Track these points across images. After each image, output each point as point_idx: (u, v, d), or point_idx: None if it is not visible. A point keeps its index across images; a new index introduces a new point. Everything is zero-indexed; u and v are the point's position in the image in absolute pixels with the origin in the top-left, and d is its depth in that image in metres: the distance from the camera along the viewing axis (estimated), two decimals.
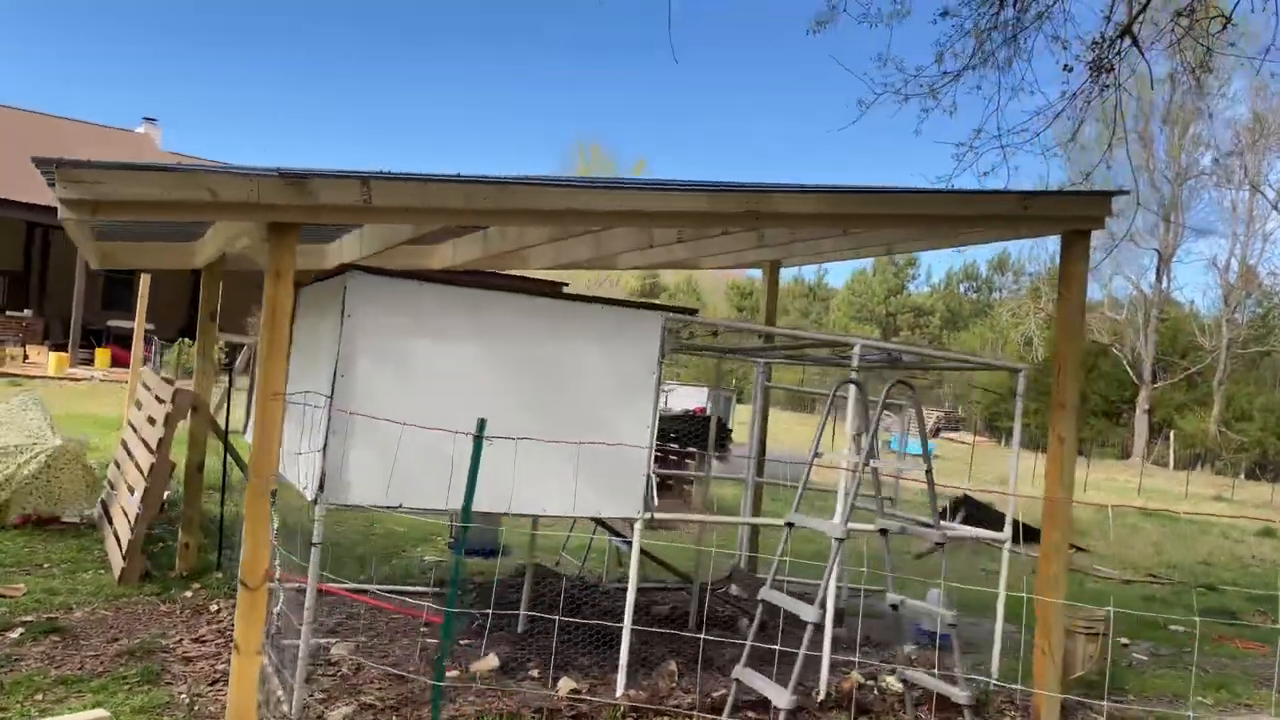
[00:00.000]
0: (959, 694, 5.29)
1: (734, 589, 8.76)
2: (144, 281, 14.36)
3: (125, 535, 7.17)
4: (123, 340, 23.87)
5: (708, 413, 16.22)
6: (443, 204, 4.58)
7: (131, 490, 7.56)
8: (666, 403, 23.86)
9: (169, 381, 7.82)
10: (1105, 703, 6.20)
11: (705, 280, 73.85)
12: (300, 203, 4.30)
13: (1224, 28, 8.19)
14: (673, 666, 5.96)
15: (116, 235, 6.96)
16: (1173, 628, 9.46)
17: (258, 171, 4.24)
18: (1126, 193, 6.41)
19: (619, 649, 5.42)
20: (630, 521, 5.51)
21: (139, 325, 14.44)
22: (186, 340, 22.56)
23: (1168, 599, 11.49)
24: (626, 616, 5.38)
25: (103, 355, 23.26)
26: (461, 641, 6.43)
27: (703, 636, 5.72)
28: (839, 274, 78.51)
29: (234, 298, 9.09)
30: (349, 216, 4.48)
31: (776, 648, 5.71)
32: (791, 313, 74.93)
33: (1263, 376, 53.86)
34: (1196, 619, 8.98)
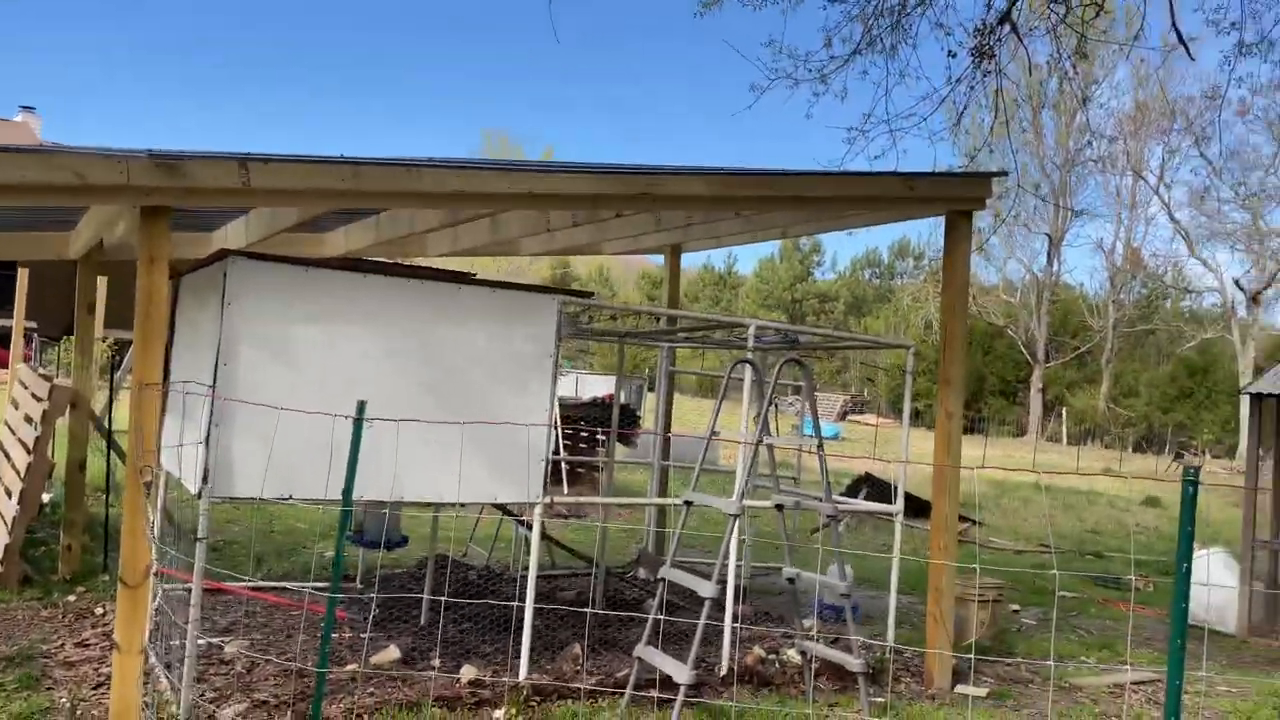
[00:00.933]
0: (853, 662, 5.43)
1: (641, 572, 8.82)
2: (22, 276, 13.69)
3: (2, 539, 6.84)
4: (2, 338, 22.72)
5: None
6: (326, 185, 4.47)
7: (9, 493, 7.21)
8: (576, 391, 23.85)
9: (46, 377, 7.48)
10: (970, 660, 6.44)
11: (616, 270, 73.94)
12: (174, 185, 4.16)
13: (1097, 14, 8.54)
14: (577, 650, 5.97)
15: None
16: (1061, 594, 9.88)
17: (128, 153, 4.08)
18: (1006, 173, 6.63)
19: (522, 636, 5.41)
20: (530, 506, 5.49)
21: (18, 322, 13.77)
22: (71, 338, 21.60)
23: (1056, 566, 11.99)
24: (528, 600, 5.37)
25: None
26: (363, 635, 6.32)
27: (596, 612, 5.74)
28: (747, 262, 79.44)
29: (123, 293, 8.72)
30: (227, 199, 4.34)
31: (670, 624, 5.77)
32: (702, 299, 75.54)
33: (1147, 354, 56.54)
34: (1053, 585, 9.37)
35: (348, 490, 2.91)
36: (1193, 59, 8.11)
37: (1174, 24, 8.00)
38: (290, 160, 4.39)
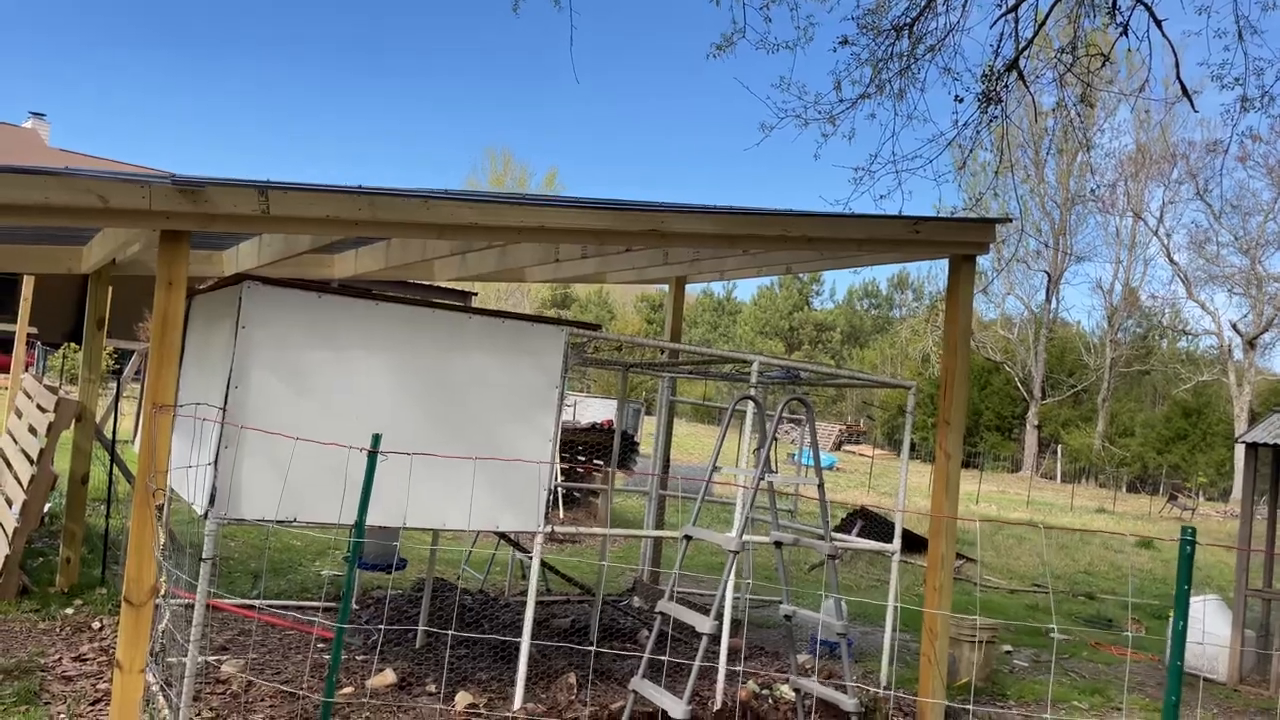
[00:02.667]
0: (846, 701, 5.45)
1: (636, 601, 8.84)
2: (28, 283, 13.76)
3: (2, 550, 6.86)
4: (2, 344, 22.74)
5: (614, 425, 16.30)
6: (344, 215, 4.55)
7: (10, 503, 7.24)
8: (574, 415, 23.88)
9: (52, 390, 7.53)
10: (975, 707, 6.47)
11: (616, 292, 74.15)
12: (195, 210, 4.23)
13: (1103, 65, 8.68)
14: (572, 679, 6.00)
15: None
16: (1053, 635, 9.90)
17: (150, 177, 4.15)
18: (1010, 220, 6.73)
19: (518, 663, 5.43)
20: (530, 535, 5.53)
21: (21, 329, 13.82)
22: (73, 345, 21.65)
23: (1049, 607, 12.01)
24: (525, 630, 5.40)
25: None
26: (359, 657, 6.34)
27: (594, 649, 5.77)
28: (746, 289, 79.77)
29: (125, 302, 8.81)
30: (246, 225, 4.41)
31: (666, 659, 5.81)
32: (700, 325, 75.74)
33: (1143, 394, 56.69)
34: (1051, 626, 9.41)
35: (360, 522, 2.96)
36: (1195, 110, 8.29)
37: (1178, 77, 8.14)
38: (309, 189, 4.47)
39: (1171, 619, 2.73)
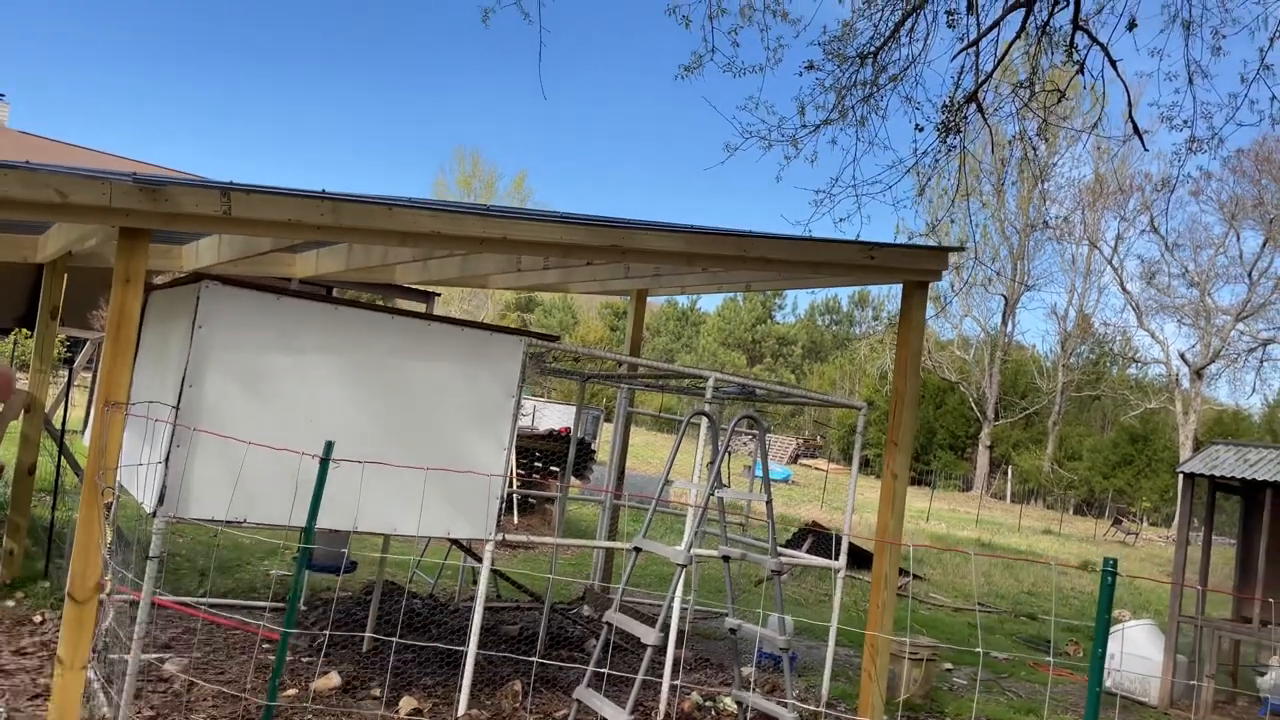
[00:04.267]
0: (786, 716, 5.56)
1: (586, 610, 8.90)
2: None
3: None
4: None
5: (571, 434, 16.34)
6: (306, 219, 4.57)
7: None
8: (533, 422, 23.87)
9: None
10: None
11: (580, 299, 74.12)
12: (156, 210, 4.23)
13: (1059, 100, 8.94)
14: (517, 686, 6.04)
15: None
16: (993, 654, 10.11)
17: (111, 175, 4.16)
18: (963, 249, 6.91)
19: (464, 669, 5.47)
20: (482, 542, 5.57)
21: None
22: (24, 331, 21.23)
23: (992, 626, 12.24)
24: (471, 636, 5.44)
25: None
26: (305, 659, 6.33)
27: (537, 659, 5.82)
28: (710, 300, 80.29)
29: (79, 290, 8.69)
30: (207, 226, 4.42)
31: (608, 670, 5.87)
32: (664, 334, 75.96)
33: (1092, 419, 57.80)
34: (974, 649, 9.60)
35: (309, 528, 3.00)
36: (1146, 149, 8.54)
37: (1130, 116, 8.40)
38: (271, 193, 4.49)
39: (1112, 640, 2.86)
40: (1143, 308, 45.73)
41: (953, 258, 6.81)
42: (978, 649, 10.15)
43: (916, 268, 6.43)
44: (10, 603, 6.59)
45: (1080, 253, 50.87)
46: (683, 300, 78.75)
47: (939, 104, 8.73)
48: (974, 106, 8.51)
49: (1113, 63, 8.29)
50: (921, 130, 8.88)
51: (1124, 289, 46.08)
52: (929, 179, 8.97)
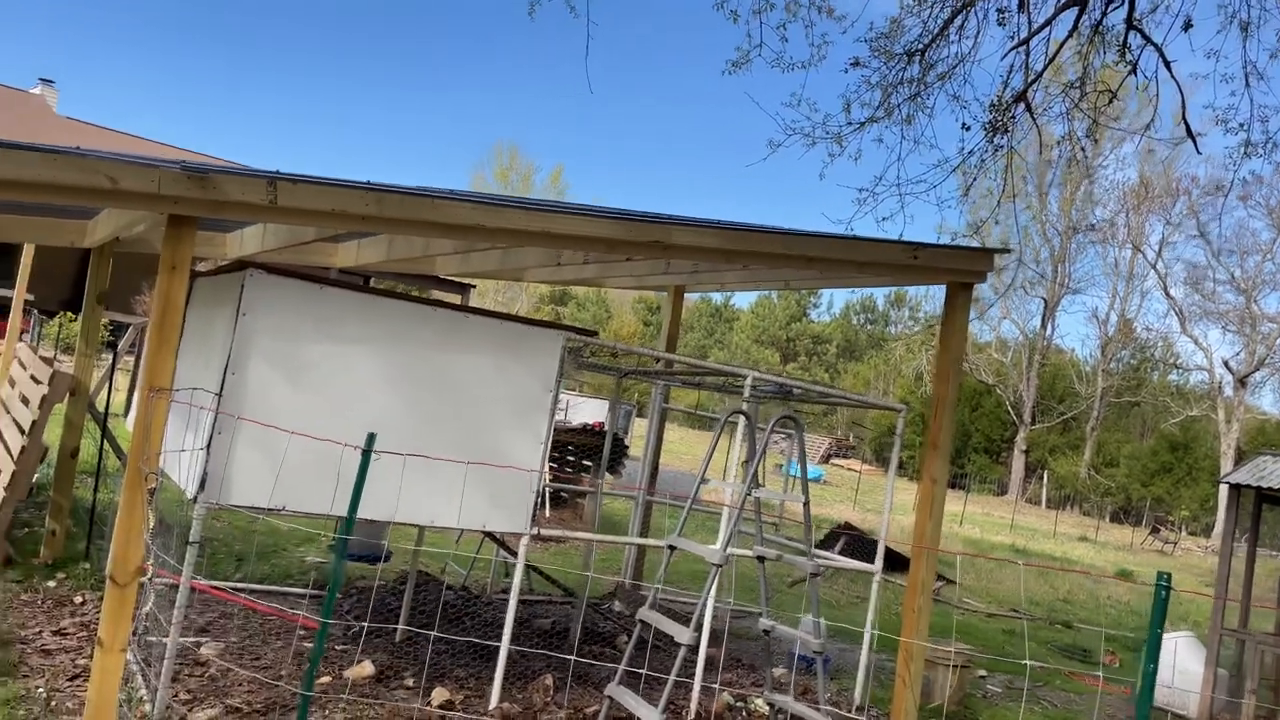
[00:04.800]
0: (819, 718, 5.50)
1: (617, 605, 8.88)
2: (27, 251, 13.76)
3: None
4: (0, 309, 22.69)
5: (605, 427, 16.34)
6: (350, 210, 4.58)
7: None
8: (566, 416, 23.91)
9: (48, 361, 7.54)
10: None
11: (614, 293, 74.20)
12: (203, 197, 4.26)
13: (1110, 101, 8.76)
14: (549, 681, 6.03)
15: (4, 208, 6.71)
16: (1030, 663, 9.97)
17: (161, 163, 4.19)
18: (1009, 250, 6.80)
19: (497, 661, 5.47)
20: (517, 536, 5.57)
21: (18, 296, 13.82)
22: (69, 314, 21.62)
23: (1027, 633, 12.07)
24: (505, 630, 5.44)
25: None
26: (338, 647, 6.37)
27: (573, 659, 5.81)
28: (744, 297, 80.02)
29: (123, 275, 8.81)
30: (252, 214, 4.44)
31: (644, 671, 5.84)
32: (697, 330, 75.81)
33: (1131, 425, 56.93)
34: (1023, 655, 9.45)
35: (350, 518, 3.00)
36: (1200, 153, 8.33)
37: (1184, 118, 8.21)
38: (317, 183, 4.50)
39: (1143, 659, 2.79)
40: (1186, 313, 44.97)
41: (997, 259, 6.70)
42: (1014, 658, 10.01)
43: (961, 268, 6.33)
44: (51, 583, 6.69)
45: (1123, 256, 50.11)
46: (717, 296, 78.54)
47: (987, 103, 8.62)
48: (1022, 106, 8.37)
49: (1167, 64, 8.11)
50: (968, 129, 8.77)
51: (1167, 294, 45.36)
52: (974, 179, 8.84)
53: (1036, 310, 52.14)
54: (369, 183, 4.63)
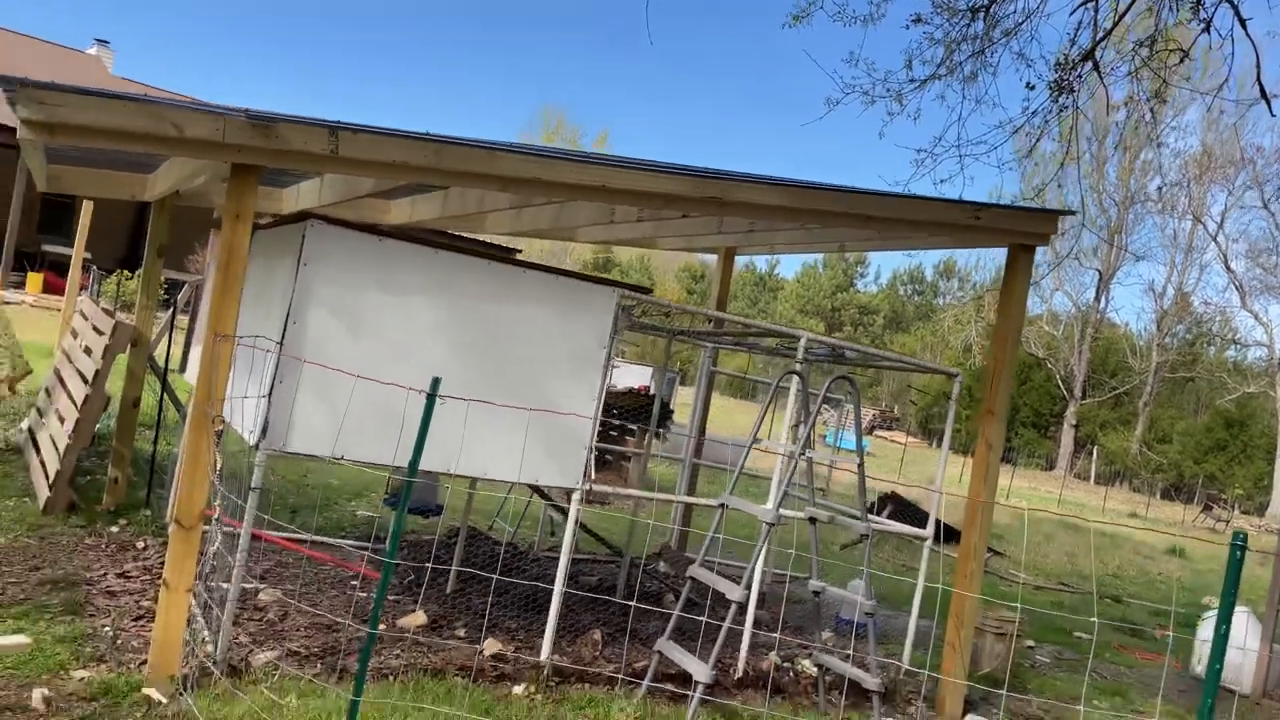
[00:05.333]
0: (870, 680, 5.49)
1: (663, 566, 8.92)
2: (86, 208, 14.03)
3: (53, 465, 7.06)
4: (58, 266, 23.19)
5: (651, 391, 16.35)
6: (410, 160, 4.59)
7: (62, 419, 7.44)
8: (612, 379, 23.94)
9: (109, 313, 7.69)
10: (1005, 694, 6.47)
11: (657, 260, 73.95)
12: (266, 146, 4.29)
13: (1181, 60, 8.47)
14: (597, 635, 6.08)
15: (69, 159, 6.82)
16: (1077, 635, 9.86)
17: (225, 111, 4.21)
18: (1074, 213, 6.63)
19: (547, 615, 5.52)
20: (568, 491, 5.59)
21: (78, 252, 14.12)
22: (125, 272, 22.04)
23: (1075, 607, 11.93)
24: (558, 582, 5.48)
25: (35, 280, 22.59)
26: (390, 597, 6.47)
27: (632, 604, 5.84)
28: (790, 265, 79.32)
29: (176, 234, 8.91)
30: (314, 164, 4.46)
31: (702, 619, 5.86)
32: (740, 299, 75.41)
33: (1185, 401, 55.74)
34: (1093, 622, 9.33)
35: (414, 463, 3.02)
36: (1274, 115, 8.02)
37: (1258, 79, 7.92)
38: (377, 133, 4.50)
39: (1202, 625, 2.72)
40: (1246, 288, 43.78)
41: (1057, 223, 6.54)
42: (1074, 627, 9.91)
43: (1024, 230, 6.20)
44: (114, 528, 6.86)
45: (1183, 228, 48.81)
46: (761, 265, 78.01)
47: (1052, 61, 8.36)
48: (1090, 65, 8.12)
49: (1242, 21, 7.80)
50: (1033, 89, 8.53)
51: (1228, 267, 44.17)
52: (1038, 139, 8.62)
53: (1091, 282, 51.10)
54: (429, 133, 4.63)
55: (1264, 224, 48.60)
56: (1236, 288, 44.20)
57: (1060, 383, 50.93)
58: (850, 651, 6.78)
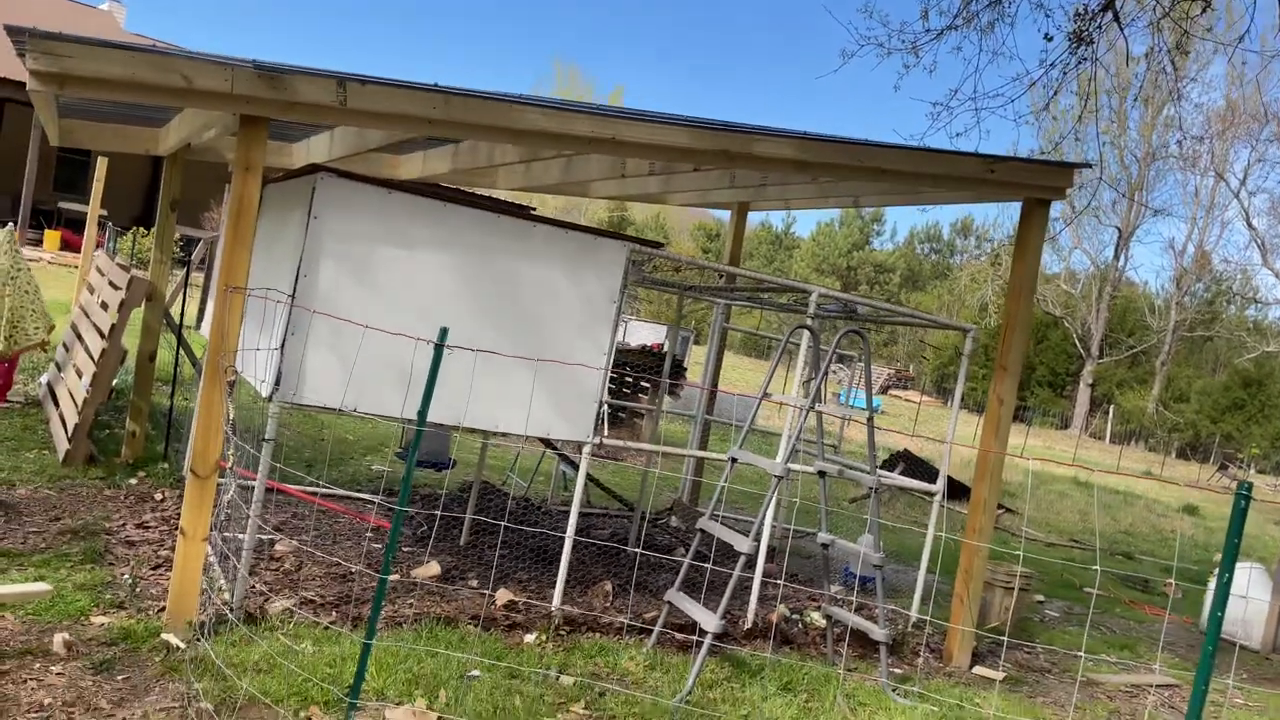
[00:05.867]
0: (877, 631, 5.55)
1: (674, 520, 8.99)
2: (101, 164, 14.05)
3: (72, 418, 7.15)
4: (74, 224, 23.28)
5: (664, 349, 16.35)
6: (419, 112, 4.57)
7: (80, 374, 7.52)
8: (624, 337, 23.96)
9: (124, 269, 7.74)
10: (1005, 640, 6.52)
11: (672, 219, 73.48)
12: (274, 97, 4.28)
13: (1203, 10, 8.30)
14: (608, 587, 6.16)
15: (80, 113, 6.82)
16: (1086, 590, 9.90)
17: (234, 62, 4.20)
18: (1090, 165, 6.55)
19: (558, 566, 5.59)
20: (579, 445, 5.63)
21: (94, 208, 14.17)
22: (141, 229, 22.11)
23: (1087, 563, 11.98)
24: (568, 532, 5.54)
25: (52, 237, 22.71)
26: (404, 549, 6.56)
27: (635, 550, 5.90)
28: (805, 224, 78.88)
29: (191, 191, 8.92)
30: (323, 116, 4.45)
31: (709, 567, 5.92)
32: (756, 258, 74.98)
33: (1203, 360, 55.32)
34: (1095, 573, 9.36)
35: (423, 412, 3.04)
36: None
37: None
38: (386, 84, 4.48)
39: (1213, 581, 2.74)
40: (1268, 245, 43.23)
41: (1075, 178, 6.47)
42: (1084, 578, 9.96)
43: (1039, 184, 6.13)
44: (133, 480, 6.96)
45: (1205, 184, 48.10)
46: (777, 223, 77.45)
47: (1071, 11, 8.19)
48: (1109, 15, 7.96)
49: None
50: (1051, 40, 8.37)
51: (1249, 224, 43.59)
52: (1055, 93, 8.48)
53: (1110, 240, 50.54)
54: (437, 85, 4.61)
55: None
56: (1258, 245, 43.66)
57: (1077, 341, 50.61)
58: (859, 602, 6.84)
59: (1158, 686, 6.77)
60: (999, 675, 6.22)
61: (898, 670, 5.95)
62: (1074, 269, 52.59)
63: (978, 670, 6.25)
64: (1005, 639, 6.47)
